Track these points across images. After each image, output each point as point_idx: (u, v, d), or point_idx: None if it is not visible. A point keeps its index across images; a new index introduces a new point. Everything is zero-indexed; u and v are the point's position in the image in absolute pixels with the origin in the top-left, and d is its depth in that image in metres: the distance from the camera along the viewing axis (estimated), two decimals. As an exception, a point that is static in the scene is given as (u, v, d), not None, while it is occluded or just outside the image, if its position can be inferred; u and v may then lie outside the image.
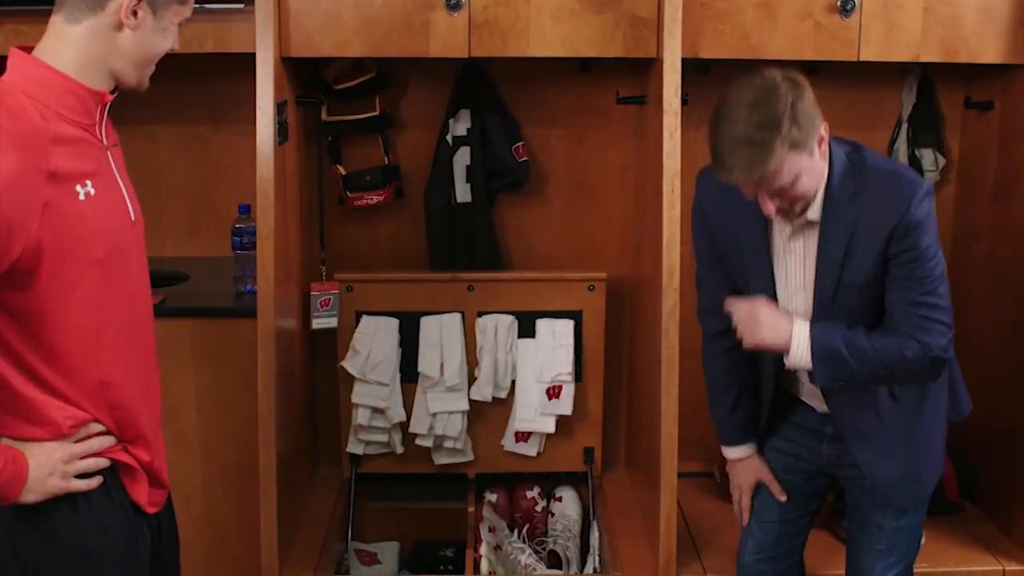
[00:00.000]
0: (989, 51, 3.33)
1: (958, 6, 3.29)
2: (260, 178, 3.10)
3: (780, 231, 2.61)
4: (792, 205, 2.48)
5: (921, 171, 3.74)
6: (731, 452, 2.94)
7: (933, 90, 3.75)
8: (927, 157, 3.73)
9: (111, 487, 2.15)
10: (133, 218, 2.16)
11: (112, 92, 2.11)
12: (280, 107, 3.18)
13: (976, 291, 3.68)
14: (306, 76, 3.58)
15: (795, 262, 2.63)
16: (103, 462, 2.12)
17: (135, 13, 2.04)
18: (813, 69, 3.64)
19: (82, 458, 2.09)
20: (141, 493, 2.21)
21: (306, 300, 3.60)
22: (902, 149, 3.74)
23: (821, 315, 2.59)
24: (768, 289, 2.66)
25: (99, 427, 2.11)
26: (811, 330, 2.54)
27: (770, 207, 2.44)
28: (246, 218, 3.54)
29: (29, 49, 2.07)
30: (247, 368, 3.18)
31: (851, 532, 2.90)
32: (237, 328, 3.34)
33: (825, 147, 2.46)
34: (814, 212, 2.53)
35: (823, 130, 2.43)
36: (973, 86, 3.70)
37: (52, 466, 2.04)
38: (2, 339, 1.99)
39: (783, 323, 2.56)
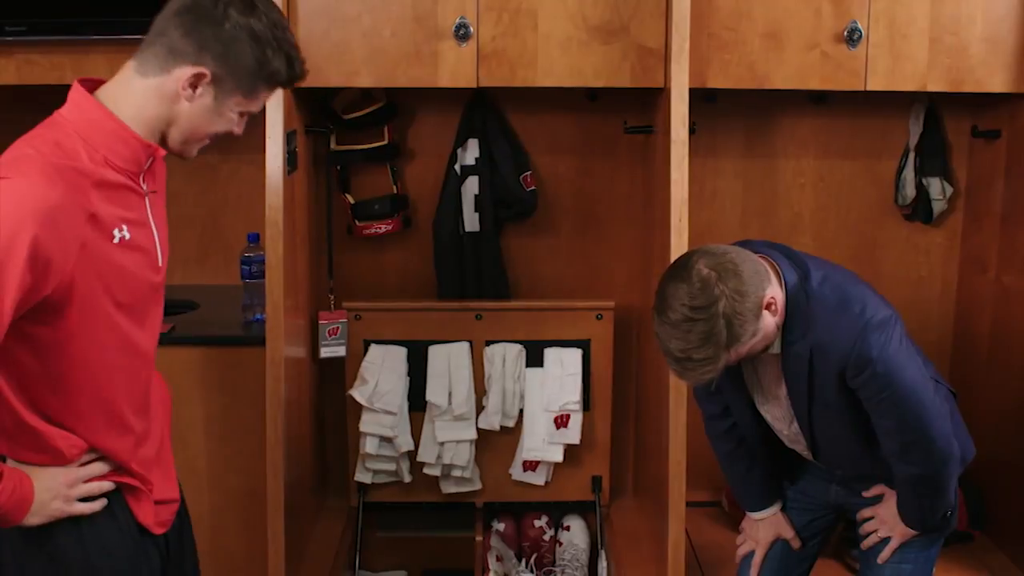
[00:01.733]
0: (995, 80, 3.34)
1: (964, 36, 3.30)
2: (269, 207, 3.12)
3: None
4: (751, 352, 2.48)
5: (928, 200, 3.74)
6: (756, 516, 2.96)
7: (940, 119, 3.75)
8: (934, 186, 3.74)
9: (116, 509, 2.16)
10: (160, 263, 2.17)
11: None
12: (289, 137, 3.19)
13: (983, 320, 3.67)
14: (315, 106, 3.59)
15: (768, 375, 2.64)
16: (107, 485, 2.14)
17: (194, 87, 2.03)
18: (820, 98, 3.66)
19: (86, 481, 2.11)
20: (147, 513, 2.22)
21: (314, 329, 3.60)
22: (909, 178, 3.75)
23: (806, 424, 2.64)
24: (740, 396, 2.73)
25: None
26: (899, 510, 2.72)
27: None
28: (255, 247, 3.55)
29: (94, 82, 2.09)
30: (255, 396, 3.18)
31: (863, 566, 2.89)
32: (246, 356, 3.34)
33: (775, 308, 2.42)
34: (775, 347, 2.52)
35: (767, 304, 2.40)
36: (980, 115, 3.70)
37: (56, 490, 2.05)
38: (19, 369, 1.99)
39: (894, 519, 2.75)
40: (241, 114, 2.12)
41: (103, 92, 2.06)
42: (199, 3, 2.01)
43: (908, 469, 2.58)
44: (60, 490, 2.06)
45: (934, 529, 2.72)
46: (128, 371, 2.13)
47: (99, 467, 2.12)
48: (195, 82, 2.02)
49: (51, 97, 3.20)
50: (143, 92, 2.03)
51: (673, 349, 2.35)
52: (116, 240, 2.01)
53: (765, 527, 2.94)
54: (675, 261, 2.46)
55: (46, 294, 1.91)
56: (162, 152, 2.10)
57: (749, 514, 2.97)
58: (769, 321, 2.42)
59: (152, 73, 2.03)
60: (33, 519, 2.04)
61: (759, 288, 2.37)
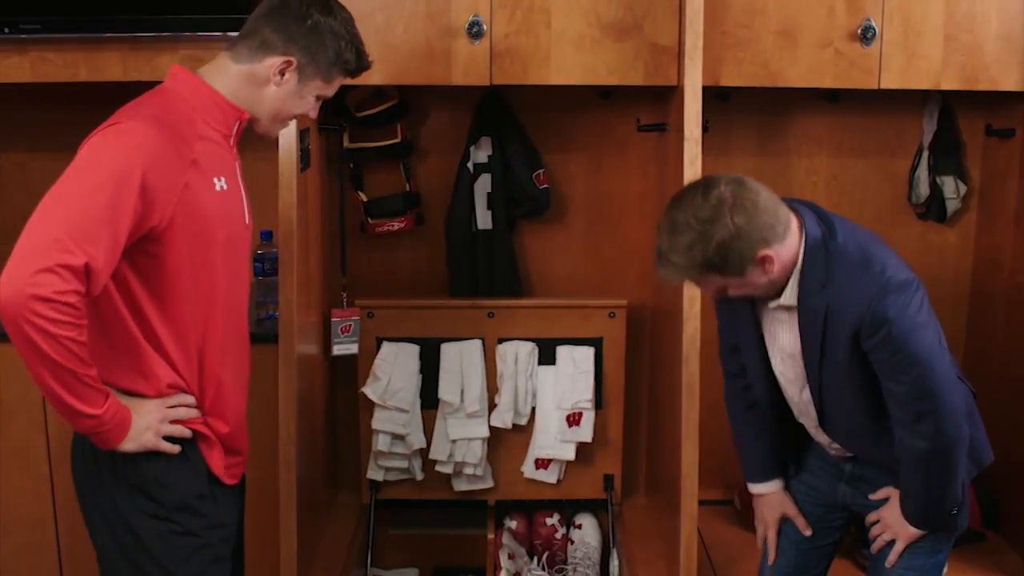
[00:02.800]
0: (1010, 79, 3.33)
1: (979, 34, 3.29)
2: (283, 205, 3.12)
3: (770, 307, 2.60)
4: (743, 298, 2.55)
5: (942, 198, 3.73)
6: (756, 488, 2.92)
7: (954, 117, 3.74)
8: (948, 184, 3.73)
9: (189, 453, 2.34)
10: (247, 221, 2.44)
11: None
12: (302, 134, 3.20)
13: (997, 319, 3.66)
14: (328, 103, 3.58)
15: (783, 331, 2.62)
16: (186, 432, 2.32)
17: (282, 73, 2.34)
18: (833, 97, 3.65)
19: (172, 422, 2.29)
20: (217, 462, 2.41)
21: (327, 326, 3.61)
22: (923, 177, 3.74)
23: (816, 386, 2.60)
24: (755, 353, 2.70)
25: (189, 398, 2.32)
26: (903, 511, 2.66)
27: (713, 292, 2.55)
28: (268, 244, 3.56)
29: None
30: (268, 393, 3.19)
31: (871, 570, 2.88)
32: (258, 353, 3.31)
33: (771, 267, 2.42)
34: (789, 299, 2.52)
35: (761, 257, 2.40)
36: (994, 113, 3.69)
37: (150, 422, 2.24)
38: (131, 296, 2.20)
39: (899, 522, 2.68)
40: (317, 98, 2.44)
41: (201, 71, 2.36)
42: (286, 3, 2.34)
43: (916, 443, 2.50)
44: (153, 423, 2.25)
45: (940, 527, 2.67)
46: (223, 318, 2.35)
47: (185, 410, 2.31)
48: (283, 69, 2.33)
49: (65, 94, 3.22)
50: (237, 74, 2.34)
51: (660, 243, 2.47)
52: (217, 188, 2.27)
53: (769, 505, 2.92)
54: (712, 174, 2.51)
55: (153, 225, 2.14)
56: (246, 116, 2.37)
57: (750, 487, 2.94)
58: (758, 275, 2.43)
59: (245, 61, 2.33)
60: (128, 445, 2.21)
61: (761, 240, 2.39)
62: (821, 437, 2.76)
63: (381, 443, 3.65)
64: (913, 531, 2.66)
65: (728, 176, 2.43)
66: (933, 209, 3.77)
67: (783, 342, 2.62)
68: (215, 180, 2.27)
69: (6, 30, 3.22)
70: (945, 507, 2.61)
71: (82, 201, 2.04)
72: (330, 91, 2.44)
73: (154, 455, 2.26)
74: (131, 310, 2.21)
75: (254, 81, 2.34)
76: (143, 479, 2.27)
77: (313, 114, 2.49)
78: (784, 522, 2.91)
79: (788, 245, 2.44)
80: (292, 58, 2.32)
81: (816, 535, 2.89)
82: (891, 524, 2.70)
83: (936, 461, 2.53)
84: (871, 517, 2.76)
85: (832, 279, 2.46)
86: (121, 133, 2.13)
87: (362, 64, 2.45)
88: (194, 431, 2.34)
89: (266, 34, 2.32)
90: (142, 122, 2.16)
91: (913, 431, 2.50)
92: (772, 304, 2.55)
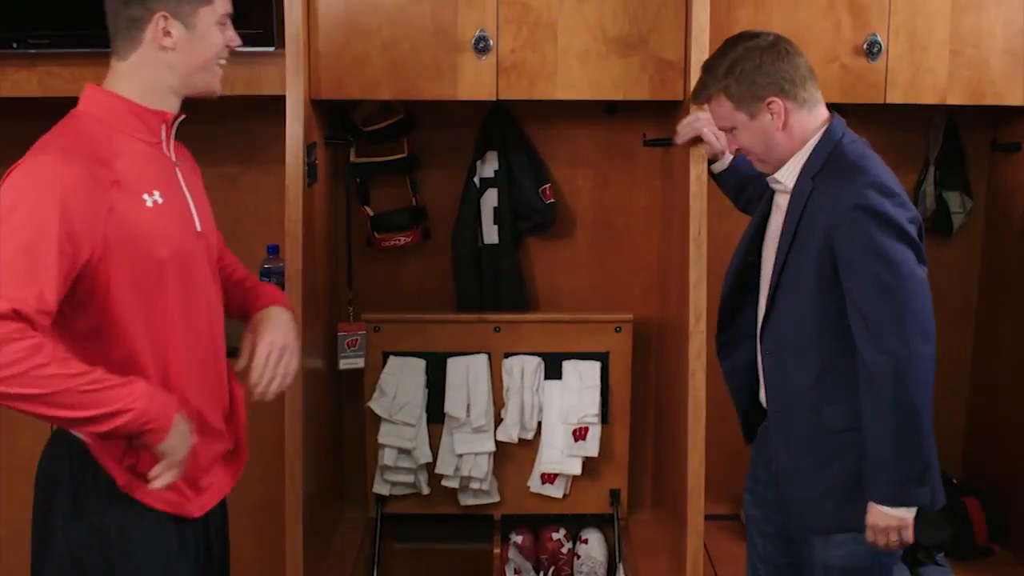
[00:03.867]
0: (1016, 93, 3.34)
1: (985, 48, 3.30)
2: (289, 219, 3.13)
3: (776, 191, 2.70)
4: (748, 154, 2.68)
5: (948, 213, 3.73)
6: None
7: (959, 132, 3.75)
8: (954, 200, 3.73)
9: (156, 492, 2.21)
10: (199, 228, 2.29)
11: (177, 114, 2.27)
12: (309, 149, 3.21)
13: (1004, 334, 3.66)
14: (335, 118, 3.61)
15: (777, 216, 2.67)
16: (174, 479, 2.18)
17: (168, 33, 2.18)
18: (839, 112, 3.64)
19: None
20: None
21: (333, 340, 3.61)
22: (929, 191, 3.74)
23: (778, 273, 2.58)
24: (745, 241, 2.78)
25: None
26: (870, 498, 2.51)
27: (729, 146, 2.80)
28: (274, 258, 3.56)
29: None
30: (274, 407, 3.18)
31: None
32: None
33: (779, 120, 2.56)
34: (784, 176, 2.62)
35: (771, 101, 2.54)
36: (999, 128, 3.70)
37: (187, 436, 2.14)
38: (82, 338, 2.11)
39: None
40: (220, 25, 2.26)
41: (106, 85, 2.22)
42: None
43: (877, 359, 2.40)
44: (188, 440, 2.14)
45: (906, 497, 2.47)
46: (184, 342, 2.22)
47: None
48: (163, 27, 2.17)
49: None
50: (132, 70, 2.20)
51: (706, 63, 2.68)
52: (149, 204, 2.14)
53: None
54: None
55: (86, 258, 2.03)
56: (169, 115, 2.23)
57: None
58: (767, 122, 2.57)
59: (128, 52, 2.19)
60: (168, 445, 2.09)
61: (777, 85, 2.55)
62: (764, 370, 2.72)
63: (387, 457, 3.65)
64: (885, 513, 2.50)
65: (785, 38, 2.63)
66: (939, 224, 3.77)
67: (773, 229, 2.67)
68: (145, 197, 2.13)
69: (14, 45, 3.23)
70: (915, 463, 2.46)
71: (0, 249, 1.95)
72: (222, 7, 2.25)
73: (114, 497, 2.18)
74: (82, 353, 2.08)
75: (151, 62, 2.19)
76: (101, 521, 2.20)
77: (234, 41, 2.29)
78: (752, 541, 2.90)
79: (803, 119, 2.58)
80: (162, 11, 2.16)
81: (786, 551, 2.85)
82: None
83: (901, 383, 2.40)
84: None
85: (824, 169, 2.54)
86: (31, 173, 2.02)
87: None
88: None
89: (124, 13, 2.17)
90: (51, 155, 2.05)
91: (875, 343, 2.41)
92: (770, 180, 2.67)
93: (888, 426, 2.43)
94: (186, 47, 2.20)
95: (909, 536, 2.48)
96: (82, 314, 2.10)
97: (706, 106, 2.67)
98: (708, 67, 2.62)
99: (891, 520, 2.46)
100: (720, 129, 2.72)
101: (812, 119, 2.59)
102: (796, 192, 2.57)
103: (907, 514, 2.47)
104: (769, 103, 2.55)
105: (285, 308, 2.45)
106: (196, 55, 2.22)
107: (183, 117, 2.28)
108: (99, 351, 2.11)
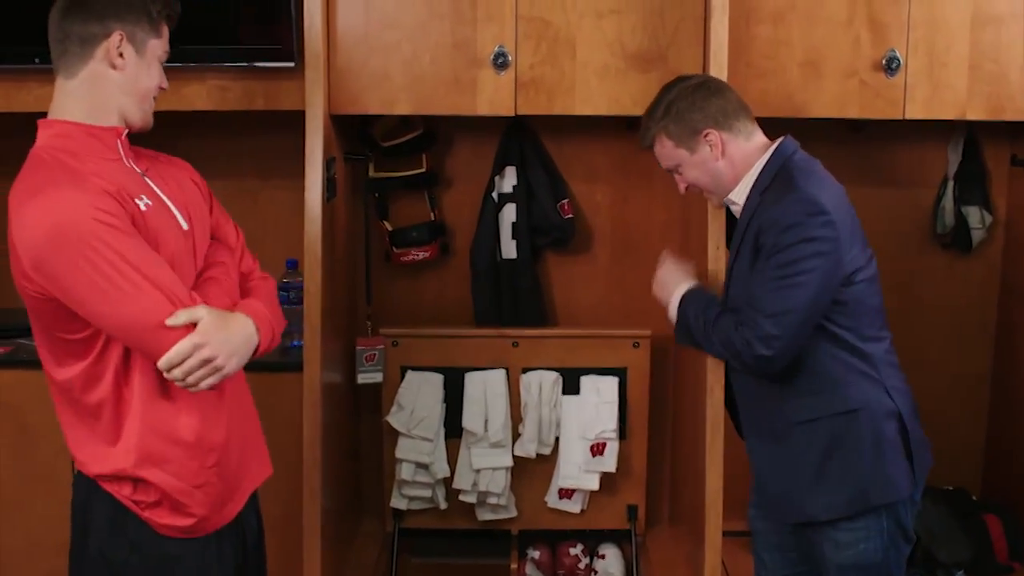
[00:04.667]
0: (1036, 108, 3.33)
1: (1004, 63, 3.29)
2: (308, 234, 3.14)
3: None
4: (696, 190, 2.87)
5: (968, 229, 3.72)
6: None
7: (979, 147, 3.74)
8: (973, 215, 3.72)
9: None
10: (185, 227, 2.31)
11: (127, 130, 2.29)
12: (328, 163, 3.22)
13: (1023, 350, 3.65)
14: (354, 133, 3.62)
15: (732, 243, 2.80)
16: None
17: (121, 55, 2.22)
18: (858, 128, 3.65)
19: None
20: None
21: (352, 355, 3.62)
22: (948, 207, 3.73)
23: (727, 284, 2.79)
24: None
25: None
26: (685, 293, 2.87)
27: (679, 186, 2.89)
28: (293, 273, 3.57)
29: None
30: (293, 422, 3.19)
31: None
32: (283, 382, 3.35)
33: (717, 151, 2.72)
34: (736, 195, 2.76)
35: (707, 133, 2.72)
36: (1019, 143, 3.69)
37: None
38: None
39: (672, 285, 2.92)
40: (159, 61, 2.31)
41: (52, 111, 2.25)
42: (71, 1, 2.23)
43: (725, 325, 2.67)
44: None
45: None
46: None
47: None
48: (117, 45, 2.21)
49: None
50: (80, 87, 2.22)
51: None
52: (143, 208, 2.18)
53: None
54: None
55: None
56: (123, 129, 2.25)
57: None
58: (707, 156, 2.74)
59: (77, 69, 2.22)
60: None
61: (711, 118, 2.72)
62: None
63: (405, 472, 3.65)
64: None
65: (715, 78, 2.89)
66: (958, 239, 3.77)
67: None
68: (137, 201, 2.18)
69: (37, 60, 3.25)
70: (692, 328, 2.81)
71: (123, 282, 2.05)
72: (166, 46, 2.32)
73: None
74: (78, 356, 2.18)
75: (99, 80, 2.22)
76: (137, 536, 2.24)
77: (164, 83, 2.34)
78: (759, 556, 2.94)
79: (741, 146, 2.74)
80: (119, 31, 2.21)
81: (793, 560, 2.87)
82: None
83: (741, 357, 2.64)
84: None
85: (772, 184, 2.66)
86: (50, 204, 2.06)
87: (170, 4, 2.32)
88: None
89: (78, 30, 2.21)
90: (58, 191, 2.08)
91: (741, 327, 2.61)
92: (727, 201, 2.81)
93: (717, 349, 2.76)
94: (133, 71, 2.24)
95: None
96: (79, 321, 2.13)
97: (654, 152, 2.85)
98: (647, 113, 2.82)
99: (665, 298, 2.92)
100: (666, 170, 2.87)
101: (750, 145, 2.75)
102: (747, 207, 2.70)
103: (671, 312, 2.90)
104: (706, 135, 2.72)
105: (249, 318, 2.30)
106: (141, 82, 2.26)
107: (131, 131, 2.30)
108: (97, 354, 2.17)
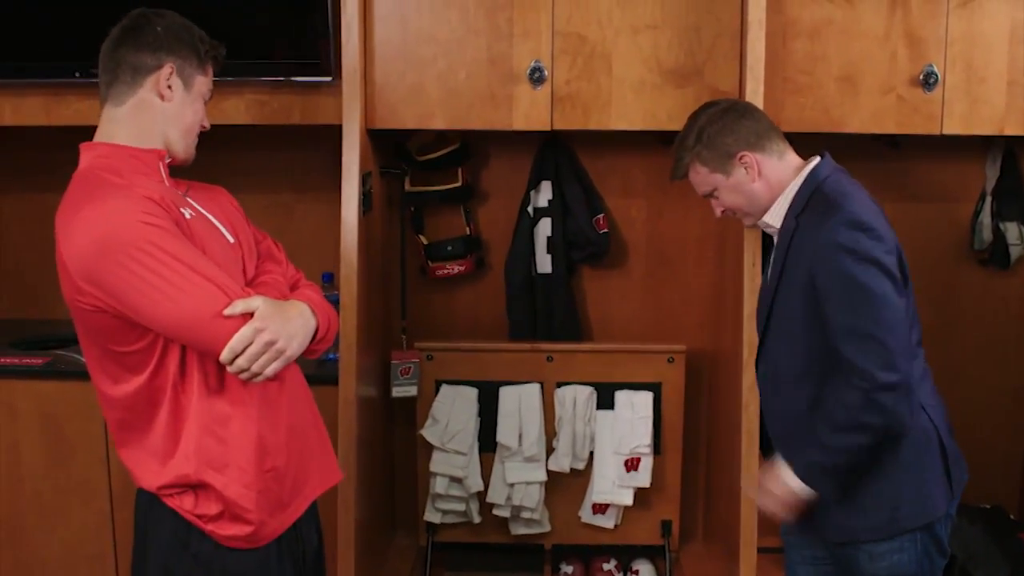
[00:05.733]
0: (1074, 124, 3.31)
1: (1043, 79, 3.27)
2: (344, 247, 3.15)
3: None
4: (732, 214, 2.81)
5: (1006, 244, 3.70)
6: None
7: (1017, 163, 3.72)
8: (1011, 231, 3.69)
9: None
10: (231, 240, 2.34)
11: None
12: (365, 178, 3.23)
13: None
14: (390, 147, 3.63)
15: (770, 265, 2.73)
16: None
17: (169, 86, 2.28)
18: (895, 143, 3.63)
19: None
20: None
21: (387, 368, 3.63)
22: (986, 222, 3.71)
23: (766, 310, 2.68)
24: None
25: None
26: (796, 473, 2.57)
27: (715, 211, 2.82)
28: (329, 286, 3.59)
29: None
30: (328, 434, 3.21)
31: None
32: (319, 394, 3.30)
33: (753, 172, 2.68)
34: (772, 217, 2.70)
35: (742, 156, 2.66)
36: (1058, 160, 3.67)
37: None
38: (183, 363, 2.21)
39: (780, 482, 2.60)
40: (203, 99, 2.37)
41: (97, 139, 2.29)
42: (126, 26, 2.30)
43: (852, 382, 2.45)
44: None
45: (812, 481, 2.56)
46: None
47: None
48: (167, 78, 2.27)
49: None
50: (128, 115, 2.27)
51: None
52: (188, 216, 2.21)
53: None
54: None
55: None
56: (164, 152, 2.29)
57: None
58: (743, 177, 2.69)
59: (126, 97, 2.27)
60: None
61: (745, 141, 2.67)
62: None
63: (439, 486, 3.65)
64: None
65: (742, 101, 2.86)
66: (996, 255, 3.74)
67: (769, 272, 2.74)
68: (183, 211, 2.21)
69: (77, 74, 3.29)
70: (825, 456, 2.53)
71: (176, 278, 2.07)
72: (210, 85, 2.38)
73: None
74: (134, 370, 2.20)
75: (146, 109, 2.27)
76: (199, 550, 2.26)
77: (207, 123, 2.39)
78: (792, 570, 2.90)
79: (776, 167, 2.69)
80: (170, 64, 2.27)
81: (828, 572, 2.84)
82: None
83: (866, 413, 2.45)
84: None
85: (807, 208, 2.61)
86: (103, 213, 2.09)
87: (217, 47, 2.37)
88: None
89: (131, 60, 2.26)
90: (107, 200, 2.11)
91: (851, 368, 2.45)
92: (761, 224, 2.75)
93: (835, 438, 2.50)
94: (179, 104, 2.30)
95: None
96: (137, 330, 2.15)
97: (690, 180, 2.79)
98: (679, 142, 2.77)
99: (788, 491, 2.59)
100: (702, 195, 2.81)
101: (785, 166, 2.70)
102: (783, 231, 2.66)
103: (802, 492, 2.57)
104: (741, 157, 2.68)
105: (304, 303, 2.32)
106: (186, 115, 2.31)
107: (172, 162, 2.33)
108: (154, 367, 2.18)
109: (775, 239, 2.75)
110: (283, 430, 2.31)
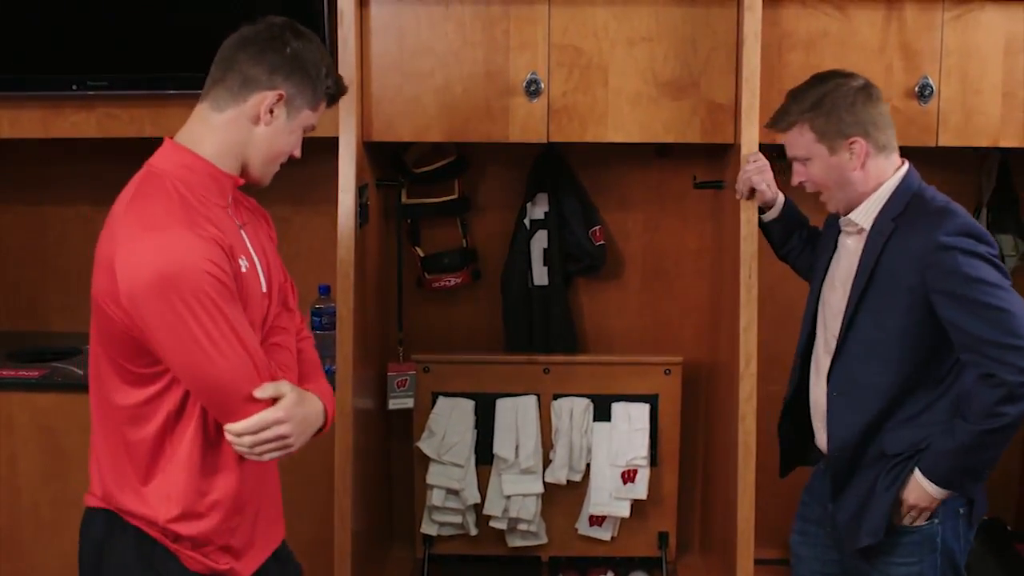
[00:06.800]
0: (1070, 136, 3.31)
1: (1038, 91, 3.28)
2: (341, 260, 3.15)
3: (844, 232, 2.75)
4: (813, 187, 2.72)
5: (1002, 256, 3.70)
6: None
7: (1012, 175, 3.72)
8: (1007, 243, 3.70)
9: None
10: (264, 290, 2.27)
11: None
12: (361, 190, 3.24)
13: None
14: (387, 160, 3.64)
15: (846, 258, 2.70)
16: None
17: (272, 111, 2.18)
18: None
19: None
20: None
21: (383, 380, 3.63)
22: (981, 234, 3.71)
23: (851, 313, 2.62)
24: (817, 282, 2.82)
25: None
26: (922, 475, 2.57)
27: (794, 177, 2.74)
28: (326, 299, 3.59)
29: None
30: (324, 446, 3.20)
31: None
32: (315, 407, 3.36)
33: (857, 161, 2.62)
34: (860, 217, 2.66)
35: (854, 141, 2.61)
36: (1053, 171, 3.67)
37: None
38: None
39: (921, 489, 2.58)
40: (304, 130, 2.28)
41: (185, 135, 2.20)
42: (258, 33, 2.19)
43: (989, 381, 2.43)
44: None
45: (949, 483, 2.56)
46: None
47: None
48: (273, 105, 2.17)
49: (129, 149, 3.28)
50: (222, 126, 2.18)
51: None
52: (244, 269, 2.15)
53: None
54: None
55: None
56: (240, 182, 2.22)
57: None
58: (845, 161, 2.63)
59: (227, 107, 2.17)
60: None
61: (862, 126, 2.62)
62: (818, 417, 2.76)
63: (435, 498, 3.65)
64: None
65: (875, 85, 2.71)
66: (992, 267, 3.74)
67: (841, 269, 2.71)
68: (241, 261, 2.15)
69: (74, 87, 3.30)
70: (981, 460, 2.56)
71: (222, 340, 2.03)
72: (316, 120, 2.28)
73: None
74: (144, 407, 2.14)
75: (242, 125, 2.18)
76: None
77: (298, 152, 2.30)
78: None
79: (880, 163, 2.65)
80: (281, 91, 2.17)
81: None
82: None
83: (1002, 410, 2.45)
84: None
85: (908, 212, 2.59)
86: (168, 245, 2.01)
87: (340, 88, 2.31)
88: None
89: (245, 70, 2.16)
90: (177, 230, 2.02)
91: (985, 364, 2.44)
92: (843, 221, 2.71)
93: (976, 436, 2.51)
94: (276, 132, 2.20)
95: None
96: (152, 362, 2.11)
97: (784, 136, 2.72)
98: (794, 95, 2.70)
99: (929, 499, 2.57)
100: (791, 158, 2.74)
101: (888, 164, 2.66)
102: (874, 233, 2.61)
103: (941, 496, 2.57)
104: (852, 142, 2.62)
105: (320, 401, 2.28)
106: (278, 143, 2.22)
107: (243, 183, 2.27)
108: (158, 390, 2.13)
109: (841, 239, 2.73)
110: (253, 481, 2.27)
